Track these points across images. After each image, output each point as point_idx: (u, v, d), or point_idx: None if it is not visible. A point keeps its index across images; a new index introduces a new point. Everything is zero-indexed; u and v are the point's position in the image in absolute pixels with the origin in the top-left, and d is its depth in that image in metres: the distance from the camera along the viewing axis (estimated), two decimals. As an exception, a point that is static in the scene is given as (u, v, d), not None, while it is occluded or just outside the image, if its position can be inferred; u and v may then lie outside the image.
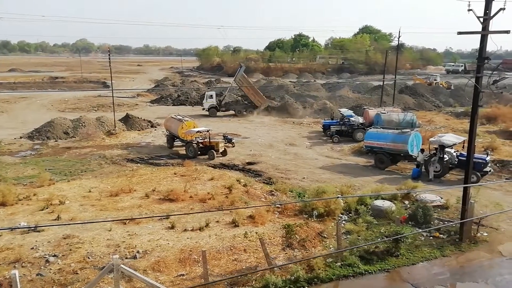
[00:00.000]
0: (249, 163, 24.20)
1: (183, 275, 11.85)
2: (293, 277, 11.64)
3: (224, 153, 25.78)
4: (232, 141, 28.35)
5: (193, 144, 25.43)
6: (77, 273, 11.71)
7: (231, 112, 43.22)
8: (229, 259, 12.69)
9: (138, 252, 12.91)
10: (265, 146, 28.85)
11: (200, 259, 11.70)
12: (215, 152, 25.13)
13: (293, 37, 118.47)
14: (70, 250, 13.00)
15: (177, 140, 27.53)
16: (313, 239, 13.96)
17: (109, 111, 39.25)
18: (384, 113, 30.56)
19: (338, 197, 15.80)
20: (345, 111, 33.46)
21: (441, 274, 11.97)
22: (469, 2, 12.34)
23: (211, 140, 25.90)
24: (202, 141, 25.95)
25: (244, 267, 12.28)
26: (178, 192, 17.70)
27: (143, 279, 9.92)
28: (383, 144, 23.03)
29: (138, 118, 35.84)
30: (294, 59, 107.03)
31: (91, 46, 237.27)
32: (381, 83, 47.90)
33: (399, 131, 23.48)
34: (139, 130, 33.84)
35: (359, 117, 32.49)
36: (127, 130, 33.22)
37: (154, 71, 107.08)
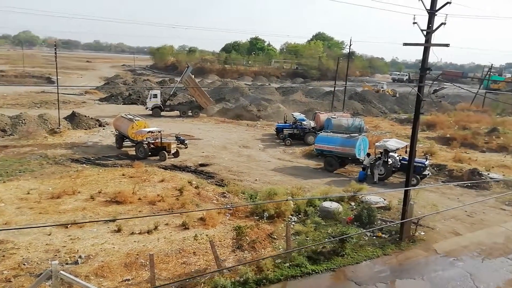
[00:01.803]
0: (201, 165, 23.97)
1: (128, 280, 11.45)
2: (242, 279, 11.67)
3: (176, 154, 25.33)
4: (185, 142, 27.93)
5: (144, 145, 24.72)
6: (11, 281, 10.91)
7: (177, 112, 42.63)
8: (177, 262, 12.45)
9: (80, 257, 12.27)
10: (219, 147, 28.73)
11: (147, 263, 11.37)
12: (166, 153, 24.61)
13: (249, 40, 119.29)
14: (4, 256, 12.08)
15: (127, 140, 26.62)
16: (263, 240, 14.09)
17: (54, 108, 36.94)
18: (335, 117, 31.64)
19: (288, 200, 16.06)
20: (298, 115, 34.21)
21: (382, 272, 12.56)
22: (414, 15, 13.16)
23: (162, 141, 25.34)
24: (153, 141, 25.29)
25: (193, 270, 12.11)
26: (126, 194, 17.10)
27: (84, 286, 9.43)
28: (333, 148, 23.83)
29: (85, 116, 34.20)
30: (249, 62, 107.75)
31: (35, 39, 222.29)
32: (332, 89, 49.55)
33: (348, 135, 24.42)
34: (86, 129, 32.30)
35: (310, 121, 33.38)
36: (73, 129, 31.59)
37: (104, 68, 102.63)
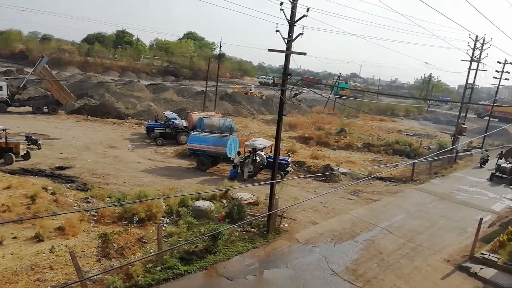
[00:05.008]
0: (59, 168, 21.44)
1: (-39, 309, 9.48)
2: (109, 289, 10.86)
3: (26, 156, 22.07)
4: (38, 142, 24.54)
5: (-18, 146, 20.81)
6: None
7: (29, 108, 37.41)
8: (29, 280, 10.84)
9: None
10: (80, 148, 26.11)
11: (-12, 286, 9.62)
12: (13, 156, 21.22)
13: (116, 32, 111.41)
14: None
15: (-42, 140, 21.97)
16: (133, 245, 13.36)
17: None
18: (206, 117, 32.08)
19: (154, 198, 15.54)
20: (170, 114, 33.60)
21: (252, 264, 13.25)
22: (277, 24, 14.13)
23: (8, 141, 21.72)
24: (-5, 142, 21.49)
25: (49, 287, 10.72)
26: (-44, 205, 14.09)
27: None
28: (205, 147, 24.13)
29: None
30: (116, 56, 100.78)
31: None
32: (204, 88, 50.09)
33: (219, 135, 25.05)
34: None
35: (183, 120, 33.13)
36: None
37: None
